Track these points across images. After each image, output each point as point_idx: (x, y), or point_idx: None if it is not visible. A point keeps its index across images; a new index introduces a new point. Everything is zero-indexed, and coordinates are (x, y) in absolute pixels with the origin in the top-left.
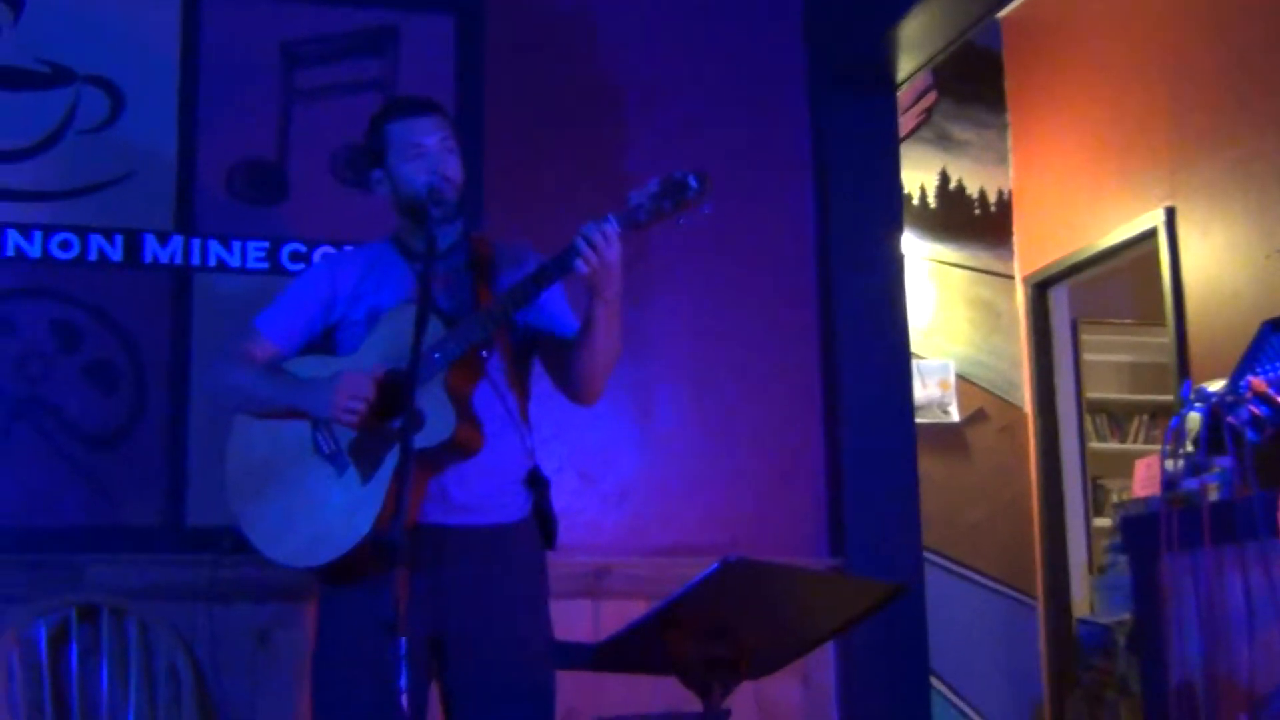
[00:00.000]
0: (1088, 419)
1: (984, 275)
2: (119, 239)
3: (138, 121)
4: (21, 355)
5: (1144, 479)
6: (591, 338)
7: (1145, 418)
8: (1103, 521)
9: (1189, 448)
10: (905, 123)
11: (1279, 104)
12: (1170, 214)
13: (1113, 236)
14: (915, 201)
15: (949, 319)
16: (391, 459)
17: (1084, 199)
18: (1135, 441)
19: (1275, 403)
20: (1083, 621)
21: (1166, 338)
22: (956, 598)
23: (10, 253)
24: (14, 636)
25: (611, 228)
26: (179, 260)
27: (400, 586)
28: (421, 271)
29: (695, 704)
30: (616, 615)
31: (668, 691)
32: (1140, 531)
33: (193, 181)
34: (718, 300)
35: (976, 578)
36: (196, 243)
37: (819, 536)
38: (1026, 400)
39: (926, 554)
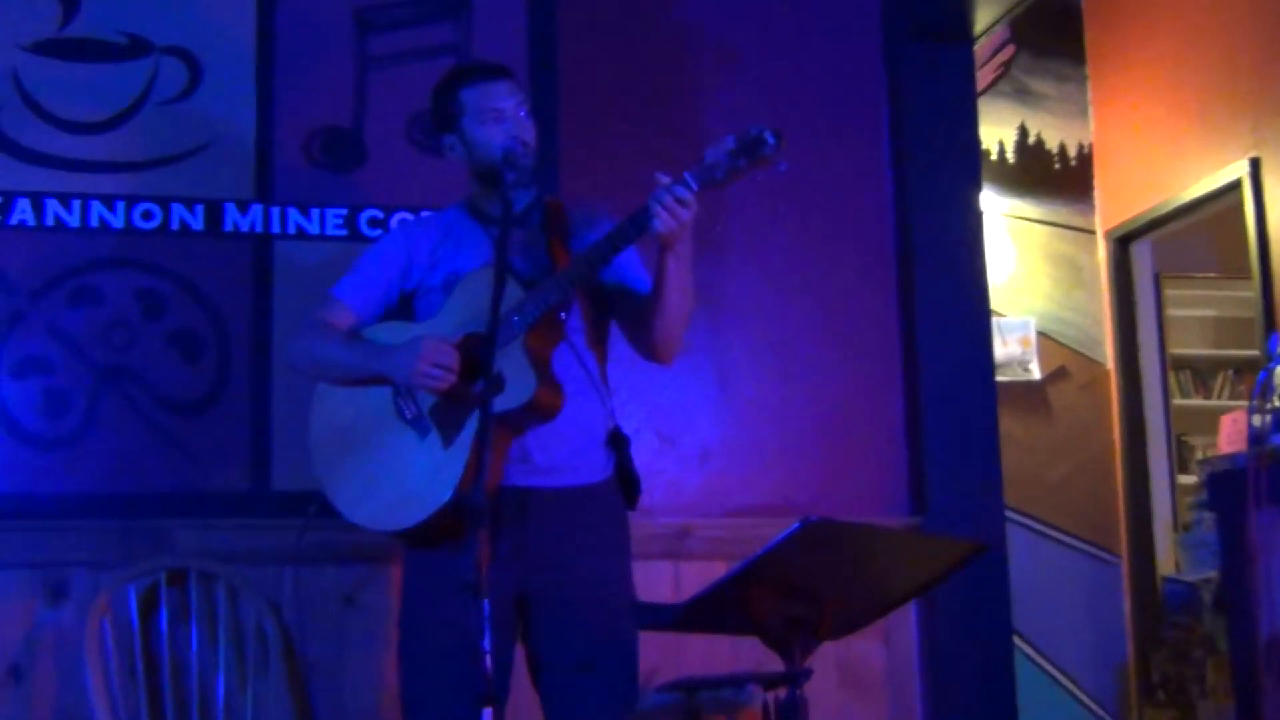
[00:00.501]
0: (1171, 375)
1: (1064, 230)
2: (200, 208)
3: (216, 91)
4: (108, 324)
5: (1230, 435)
6: (664, 293)
7: (1230, 373)
8: (1187, 478)
9: (1276, 402)
10: (983, 77)
11: None
12: (1255, 165)
13: (1196, 189)
14: (994, 157)
15: (1029, 275)
16: (473, 423)
17: (1166, 151)
18: (1220, 397)
19: None
20: (1168, 579)
21: (1251, 291)
22: (1039, 557)
23: (95, 224)
24: (105, 601)
25: (688, 187)
26: (259, 228)
27: (483, 549)
28: (498, 236)
29: (776, 664)
30: (697, 576)
31: (749, 652)
32: (1227, 488)
33: (271, 150)
34: (795, 259)
35: (1059, 536)
36: (276, 211)
37: (899, 496)
38: (1109, 357)
39: (1008, 513)
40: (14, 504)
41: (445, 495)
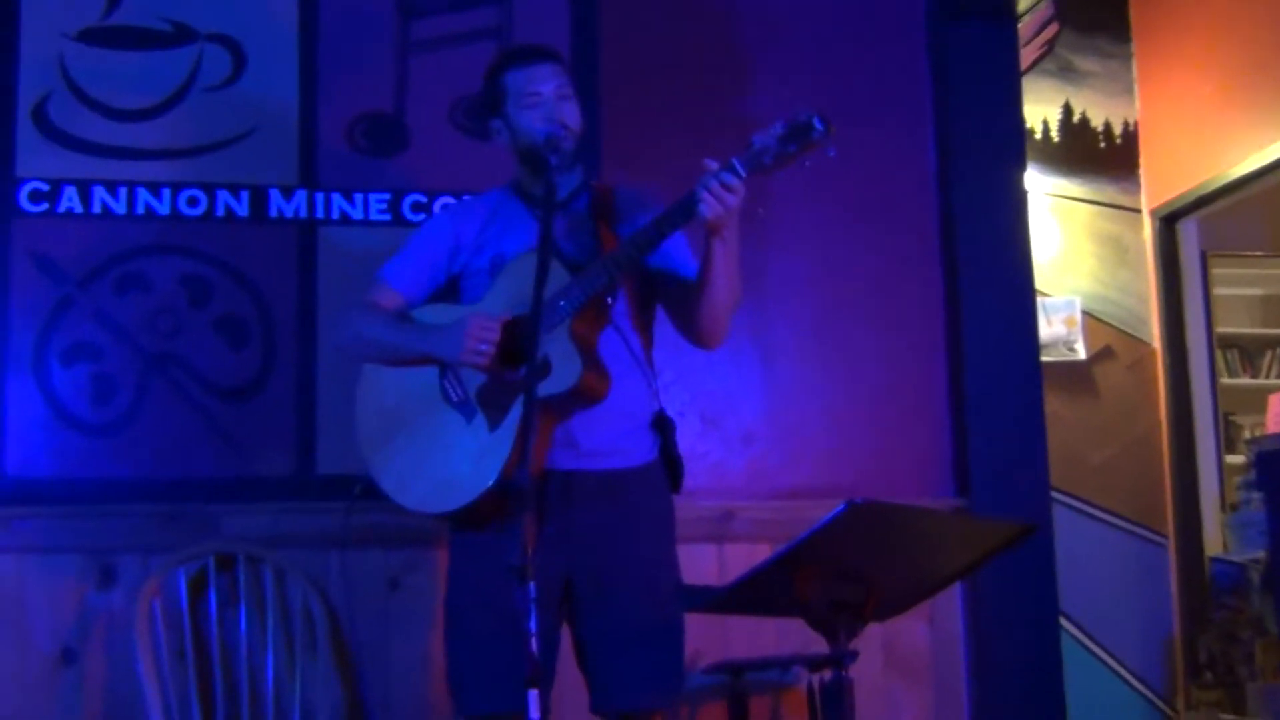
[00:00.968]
0: (1218, 354)
1: (1110, 209)
2: (245, 194)
3: (259, 78)
4: (154, 311)
5: (1278, 414)
6: (711, 279)
7: (1278, 351)
8: (1235, 458)
9: None
10: (1027, 55)
11: None
12: None
13: (1243, 166)
14: (1038, 135)
15: (1074, 255)
16: (518, 406)
17: (1213, 128)
18: (1268, 376)
19: None
20: (1215, 560)
21: None
22: (1085, 538)
23: (141, 210)
24: (155, 585)
25: (735, 173)
26: (303, 214)
27: (528, 532)
28: (542, 219)
29: (821, 646)
30: (741, 559)
31: (794, 634)
32: (1275, 467)
33: (314, 135)
34: (838, 240)
35: (1106, 517)
36: (320, 196)
37: (944, 477)
38: (1155, 336)
39: (1054, 494)
40: (64, 489)
41: (490, 479)
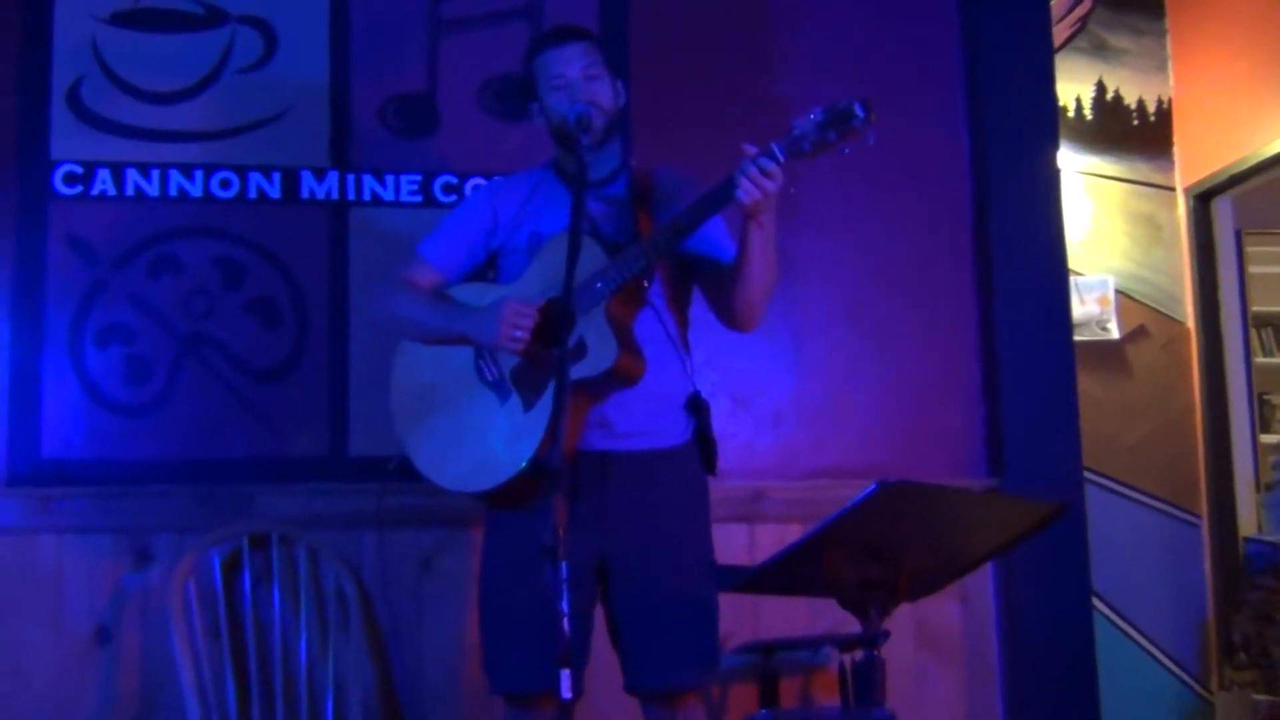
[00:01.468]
0: (1253, 333)
1: (1143, 187)
2: (277, 176)
3: (291, 59)
4: (187, 292)
5: None
6: (748, 263)
7: None
8: (1270, 438)
9: None
10: (1059, 32)
11: None
12: None
13: (1279, 143)
14: (1071, 114)
15: (1107, 233)
16: (553, 387)
17: (1248, 105)
18: None
19: None
20: (1250, 540)
21: None
22: (1118, 518)
23: (174, 193)
24: (190, 565)
25: (775, 158)
26: (335, 195)
27: (560, 512)
28: (574, 199)
29: (853, 625)
30: (772, 539)
31: (825, 613)
32: None
33: (346, 117)
34: (869, 220)
35: (1139, 497)
36: (351, 178)
37: (976, 457)
38: (1189, 315)
39: (1087, 473)
40: (99, 470)
41: (524, 460)
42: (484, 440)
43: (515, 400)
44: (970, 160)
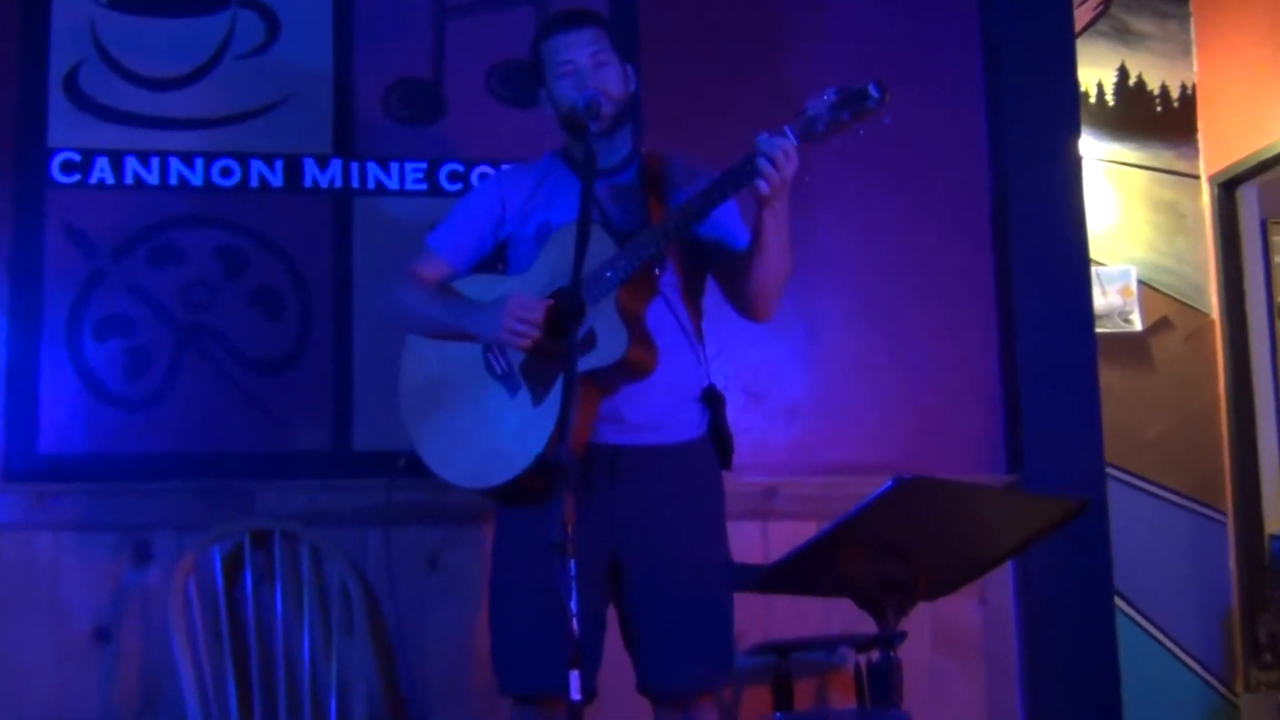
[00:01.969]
0: (1279, 325)
1: (1166, 175)
2: (279, 164)
3: (293, 44)
4: (188, 283)
5: None
6: (763, 249)
7: None
8: None
9: None
10: (1081, 16)
11: None
12: None
13: None
14: (1092, 100)
15: (1130, 223)
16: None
17: (1274, 90)
18: None
19: None
20: (1276, 537)
21: None
22: (1141, 514)
23: (174, 181)
24: (190, 562)
25: (790, 141)
26: (339, 183)
27: (568, 509)
28: (583, 187)
29: (869, 625)
30: (786, 536)
31: (840, 613)
32: None
33: (350, 103)
34: (886, 209)
35: (1162, 493)
36: (355, 165)
37: (995, 452)
38: (1214, 306)
39: (1108, 469)
40: (98, 465)
41: (534, 453)
42: (493, 435)
43: (525, 394)
44: (989, 148)
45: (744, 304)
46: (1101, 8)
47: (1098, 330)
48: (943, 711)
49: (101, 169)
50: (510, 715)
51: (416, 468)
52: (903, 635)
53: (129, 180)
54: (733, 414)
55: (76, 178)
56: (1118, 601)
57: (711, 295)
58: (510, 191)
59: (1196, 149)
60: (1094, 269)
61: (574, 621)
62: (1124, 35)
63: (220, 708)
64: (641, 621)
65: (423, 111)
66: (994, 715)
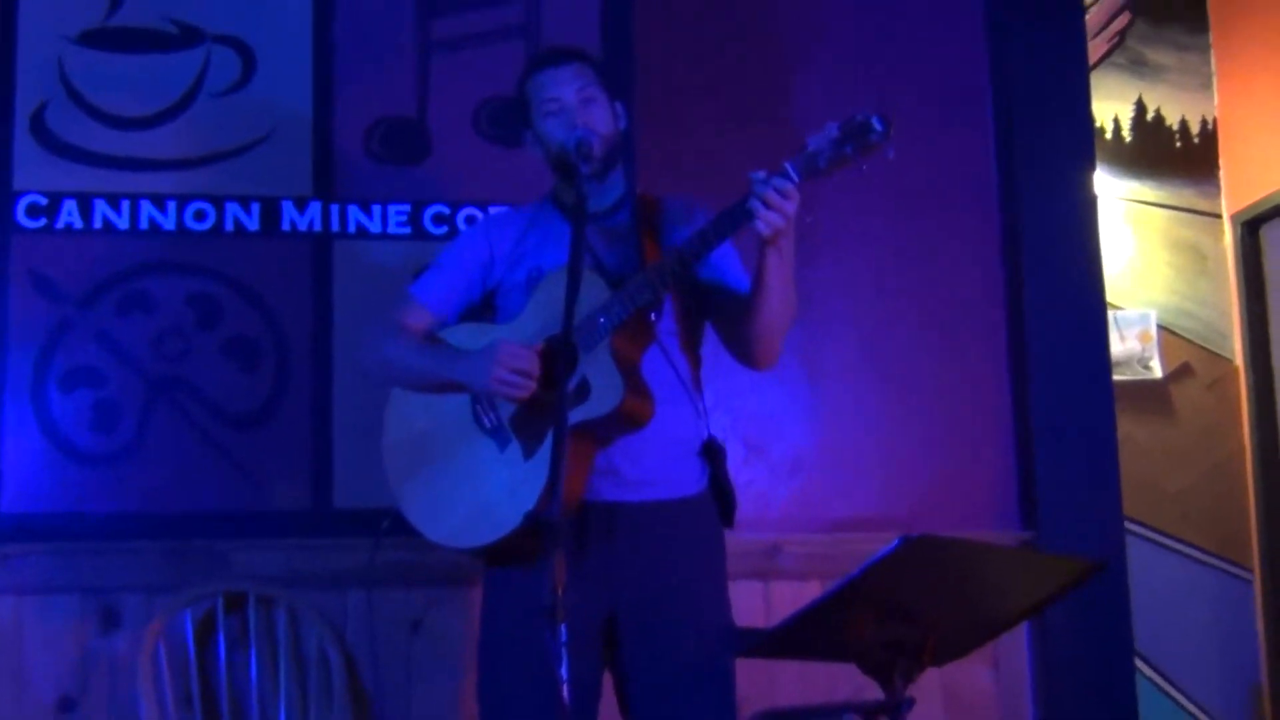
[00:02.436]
0: None
1: (1187, 214)
2: (256, 207)
3: (271, 82)
4: (159, 332)
5: None
6: (765, 293)
7: None
8: None
9: None
10: (1096, 48)
11: None
12: None
13: None
14: (1108, 135)
15: (1149, 264)
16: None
17: None
18: None
19: None
20: None
21: None
22: (1163, 572)
23: (144, 225)
24: (160, 627)
25: (788, 180)
26: (318, 227)
27: (559, 570)
28: (573, 232)
29: (876, 692)
30: (789, 597)
31: (845, 679)
32: None
33: (330, 143)
34: (891, 252)
35: (1185, 549)
36: (336, 208)
37: (1008, 508)
38: (1238, 352)
39: (1128, 524)
40: (63, 524)
41: (526, 509)
42: (482, 492)
43: (515, 448)
44: (1000, 186)
45: (744, 351)
46: (1117, 39)
47: (1116, 378)
48: None
49: (69, 212)
50: None
51: (401, 528)
52: (911, 702)
53: (98, 224)
54: (732, 467)
55: (43, 222)
56: (1139, 665)
57: (708, 341)
58: (499, 237)
59: (1218, 186)
60: (1111, 313)
61: (565, 689)
62: (1141, 68)
63: None
64: (638, 688)
65: (406, 151)
66: None
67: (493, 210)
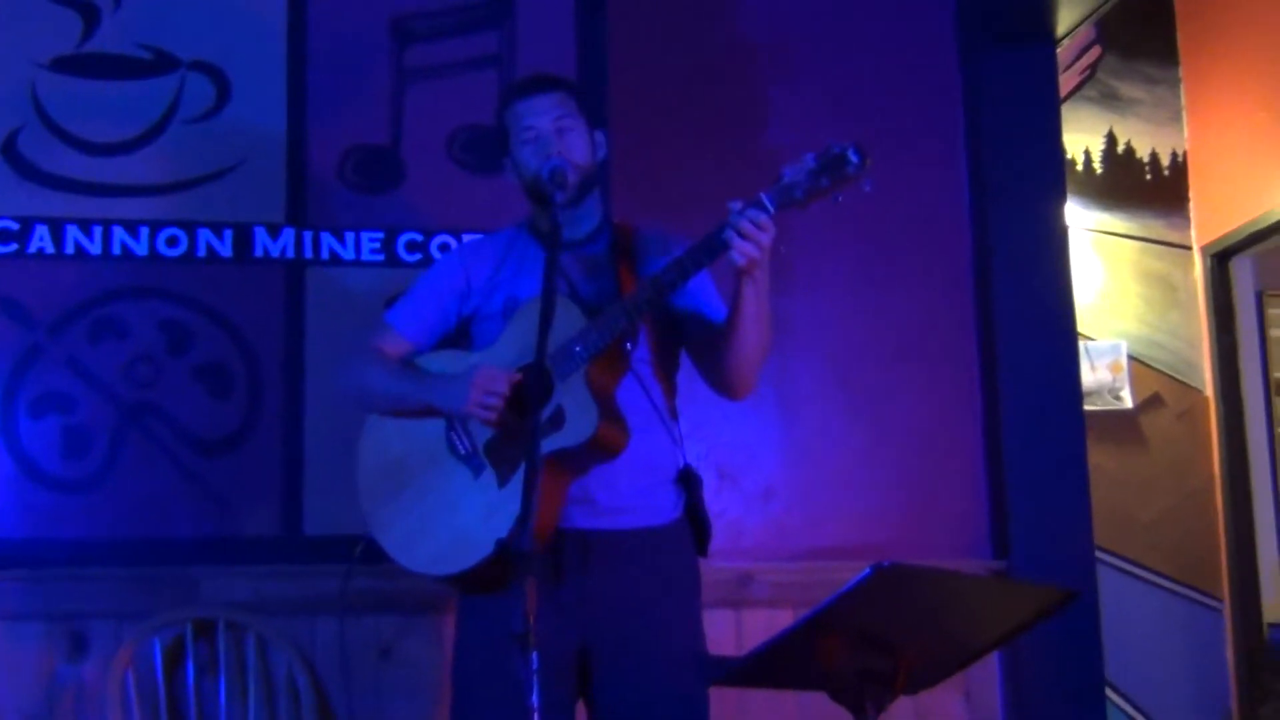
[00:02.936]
0: (1276, 401)
1: (1157, 246)
2: (228, 233)
3: (245, 109)
4: (131, 358)
5: None
6: (741, 323)
7: None
8: None
9: None
10: (1067, 81)
11: None
12: None
13: None
14: (1079, 167)
15: (1119, 295)
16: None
17: (1268, 158)
18: None
19: None
20: (1276, 626)
21: None
22: (1133, 601)
23: (117, 251)
24: (128, 654)
25: (763, 212)
26: (291, 254)
27: (531, 598)
28: (547, 259)
29: None
30: (760, 625)
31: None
32: None
33: (303, 170)
34: (864, 281)
35: (1155, 579)
36: (309, 235)
37: (980, 537)
38: (1207, 383)
39: (1099, 554)
40: (32, 551)
41: (499, 537)
42: (456, 519)
43: (489, 475)
44: (971, 217)
45: (720, 380)
46: (1088, 72)
47: (1086, 408)
48: None
49: (41, 238)
50: None
51: (373, 553)
52: None
53: (69, 250)
54: (705, 495)
55: (14, 247)
56: (1110, 694)
57: (682, 370)
58: (474, 265)
59: (1188, 218)
60: (1082, 343)
61: (536, 717)
62: (1112, 101)
63: None
64: (611, 717)
65: (380, 178)
66: None
67: (466, 239)
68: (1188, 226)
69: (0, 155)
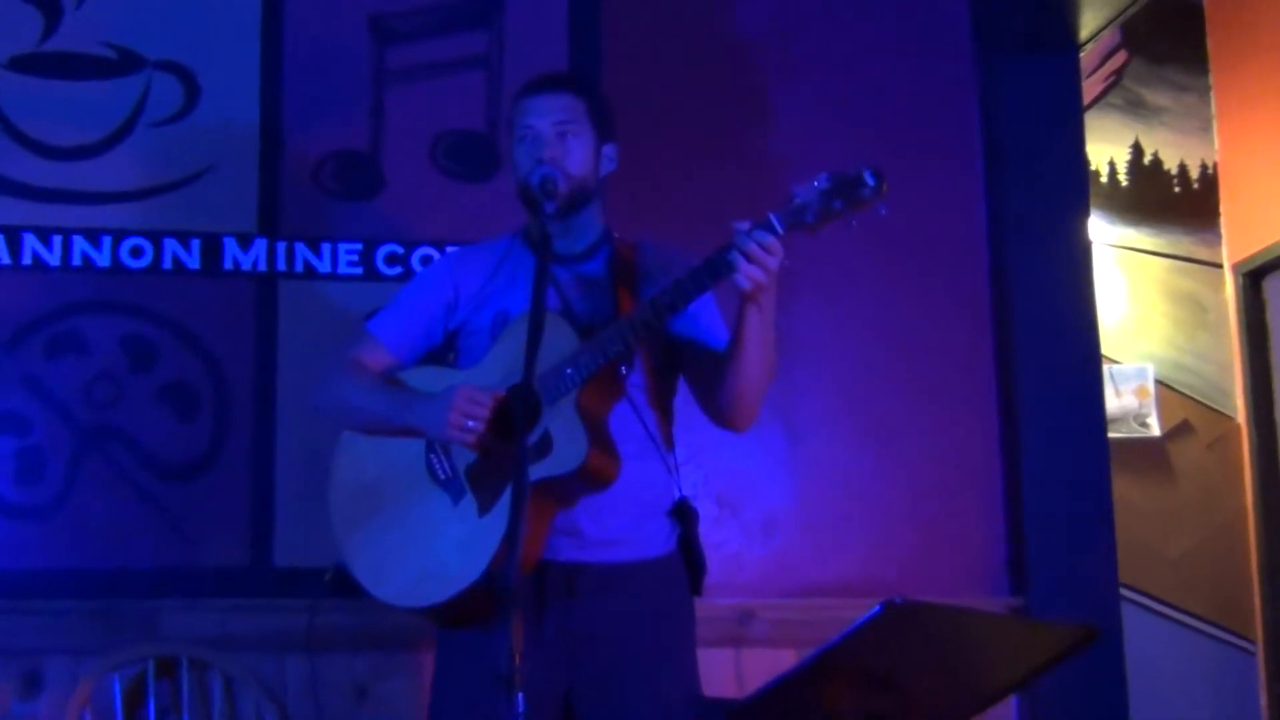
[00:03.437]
0: None
1: (1186, 263)
2: (196, 244)
3: (215, 111)
4: (90, 377)
5: None
6: (743, 350)
7: None
8: None
9: None
10: (1090, 88)
11: None
12: None
13: None
14: (1104, 179)
15: (1146, 316)
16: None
17: None
18: None
19: None
20: None
21: None
22: (1159, 642)
23: (77, 261)
24: (85, 693)
25: (771, 235)
26: (263, 266)
27: (517, 637)
28: (536, 271)
29: None
30: (762, 665)
31: None
32: None
33: (277, 177)
34: (874, 299)
35: (1183, 618)
36: (282, 246)
37: (997, 573)
38: (1240, 409)
39: (1123, 591)
40: None
41: (477, 571)
42: (433, 548)
43: (469, 502)
44: (988, 231)
45: (718, 411)
46: (1113, 78)
47: (1111, 435)
48: None
49: None
50: None
51: (345, 584)
52: None
53: (26, 260)
54: (703, 526)
55: None
56: None
57: (679, 395)
58: (464, 274)
59: (1219, 234)
60: (1107, 367)
61: None
62: (1138, 109)
63: None
64: None
65: (358, 186)
66: None
67: (449, 248)
68: (1218, 243)
69: None
